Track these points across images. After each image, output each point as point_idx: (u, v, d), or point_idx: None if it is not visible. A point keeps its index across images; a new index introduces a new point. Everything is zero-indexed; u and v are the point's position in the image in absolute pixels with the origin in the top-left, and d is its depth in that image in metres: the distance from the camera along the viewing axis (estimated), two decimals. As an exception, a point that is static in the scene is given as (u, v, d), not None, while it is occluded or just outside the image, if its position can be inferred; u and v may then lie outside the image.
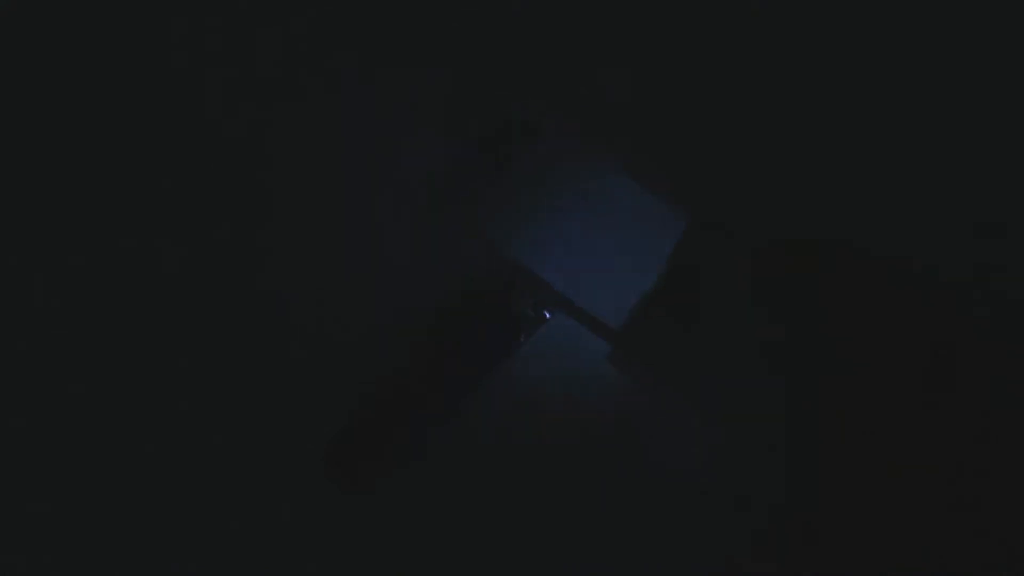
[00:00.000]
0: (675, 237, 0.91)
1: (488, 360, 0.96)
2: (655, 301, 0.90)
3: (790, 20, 1.01)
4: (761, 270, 0.92)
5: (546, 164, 0.92)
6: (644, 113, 1.01)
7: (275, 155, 1.02)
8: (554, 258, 0.91)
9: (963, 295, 0.94)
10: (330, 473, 0.95)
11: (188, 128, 1.02)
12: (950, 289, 0.94)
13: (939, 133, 0.99)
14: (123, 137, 1.02)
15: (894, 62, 1.00)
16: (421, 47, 1.02)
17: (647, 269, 0.91)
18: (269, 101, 1.02)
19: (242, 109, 1.02)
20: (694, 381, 0.93)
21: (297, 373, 0.98)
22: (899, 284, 0.95)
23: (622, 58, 1.01)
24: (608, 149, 0.92)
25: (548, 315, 0.97)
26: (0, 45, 1.03)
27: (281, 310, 0.99)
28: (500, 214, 0.91)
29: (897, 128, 1.00)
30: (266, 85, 1.02)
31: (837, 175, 0.99)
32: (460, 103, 1.01)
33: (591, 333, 0.97)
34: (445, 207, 0.91)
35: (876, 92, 1.00)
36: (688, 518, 0.95)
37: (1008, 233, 0.97)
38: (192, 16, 1.03)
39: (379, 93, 1.01)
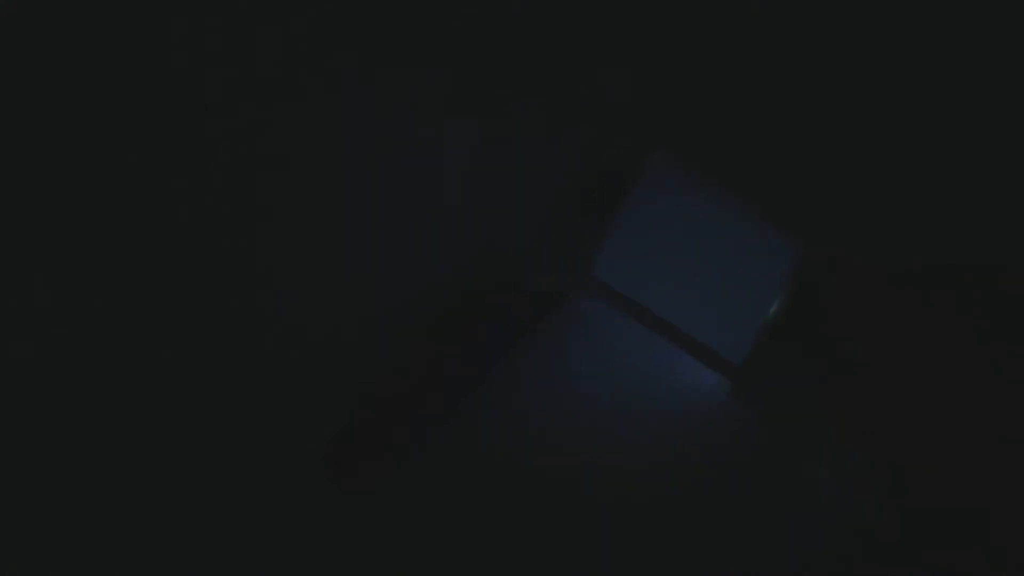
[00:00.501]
0: (788, 263, 0.88)
1: (488, 360, 0.96)
2: (774, 332, 0.87)
3: (790, 20, 1.01)
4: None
5: (651, 200, 0.89)
6: (644, 113, 1.01)
7: (275, 155, 1.02)
8: (669, 294, 0.88)
9: (963, 295, 0.94)
10: (330, 473, 0.95)
11: (188, 128, 1.02)
12: (950, 289, 0.94)
13: (938, 133, 0.99)
14: (123, 137, 1.02)
15: (895, 62, 1.01)
16: (421, 47, 1.02)
17: (763, 299, 0.87)
18: (269, 101, 1.02)
19: (242, 109, 1.02)
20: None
21: (297, 373, 0.98)
22: (899, 284, 0.95)
23: (622, 58, 1.01)
24: (711, 178, 0.90)
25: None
26: (0, 45, 1.03)
27: (281, 309, 0.99)
28: (612, 257, 0.89)
29: (897, 128, 1.00)
30: (266, 85, 1.02)
31: (837, 175, 0.99)
32: (460, 103, 1.01)
33: (590, 333, 0.97)
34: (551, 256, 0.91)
35: (875, 92, 1.00)
36: (688, 518, 0.95)
37: (1008, 233, 0.97)
38: (192, 16, 1.03)
39: (379, 93, 1.01)
